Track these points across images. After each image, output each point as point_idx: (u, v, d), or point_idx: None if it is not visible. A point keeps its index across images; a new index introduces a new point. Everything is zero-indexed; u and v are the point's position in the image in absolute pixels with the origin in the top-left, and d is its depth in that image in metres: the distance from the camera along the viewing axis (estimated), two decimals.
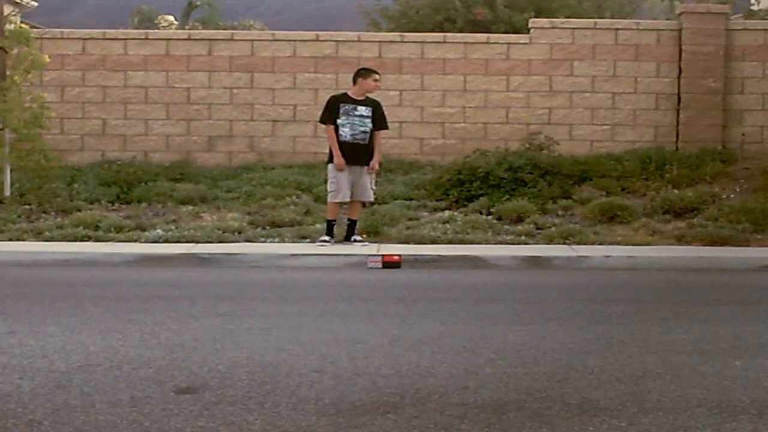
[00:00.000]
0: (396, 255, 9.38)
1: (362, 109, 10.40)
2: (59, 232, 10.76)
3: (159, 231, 10.76)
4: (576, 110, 14.89)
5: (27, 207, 12.09)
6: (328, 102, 10.59)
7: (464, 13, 20.73)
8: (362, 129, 10.35)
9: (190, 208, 12.14)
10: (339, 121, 10.32)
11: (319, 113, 10.80)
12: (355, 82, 10.56)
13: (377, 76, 10.56)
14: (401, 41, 15.09)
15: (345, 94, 10.61)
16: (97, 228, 11.00)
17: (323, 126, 10.74)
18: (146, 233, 10.75)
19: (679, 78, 14.79)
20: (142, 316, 6.15)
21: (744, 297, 7.62)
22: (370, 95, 10.62)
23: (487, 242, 10.61)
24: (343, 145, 10.30)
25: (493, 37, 15.54)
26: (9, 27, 13.39)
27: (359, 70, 10.77)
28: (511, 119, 14.90)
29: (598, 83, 14.91)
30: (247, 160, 14.72)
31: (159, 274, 8.83)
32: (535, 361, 4.99)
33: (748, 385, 4.53)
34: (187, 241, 10.39)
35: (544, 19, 15.76)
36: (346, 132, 10.32)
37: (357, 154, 10.32)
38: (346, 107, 10.37)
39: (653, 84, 14.88)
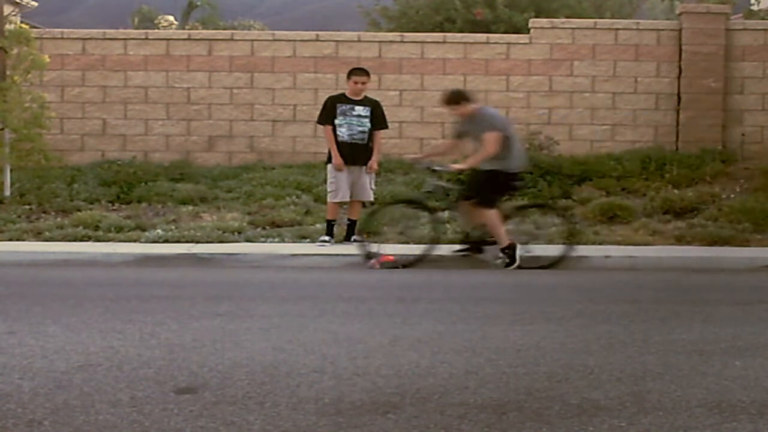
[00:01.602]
0: (390, 255, 9.38)
1: (360, 109, 10.39)
2: (59, 232, 10.76)
3: (159, 231, 10.76)
4: (576, 110, 14.89)
5: (27, 207, 12.10)
6: (326, 103, 10.61)
7: (464, 13, 20.75)
8: (360, 129, 10.35)
9: (190, 208, 12.15)
10: (336, 122, 10.33)
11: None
12: None
13: (357, 78, 10.42)
14: (401, 41, 15.09)
15: (342, 94, 10.61)
16: (97, 228, 11.00)
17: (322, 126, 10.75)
18: (146, 233, 10.75)
19: (679, 78, 14.80)
20: (142, 316, 6.15)
21: (744, 297, 7.62)
22: (369, 95, 10.63)
23: None
24: (342, 146, 10.30)
25: (493, 37, 15.55)
26: (9, 27, 13.40)
27: (349, 70, 10.78)
28: (511, 119, 14.87)
29: (598, 83, 14.91)
30: (247, 160, 14.73)
31: (159, 274, 8.83)
32: (535, 361, 4.98)
33: (748, 385, 4.52)
34: (187, 241, 10.39)
35: (544, 19, 15.77)
36: (343, 132, 10.32)
37: (355, 154, 10.32)
38: (344, 107, 10.36)
39: (653, 84, 14.88)
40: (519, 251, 9.22)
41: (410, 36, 15.56)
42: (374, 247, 9.43)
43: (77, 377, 4.54)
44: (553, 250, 9.54)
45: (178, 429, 3.78)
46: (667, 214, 11.95)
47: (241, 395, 4.25)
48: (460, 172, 9.65)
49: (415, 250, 9.50)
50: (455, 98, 9.44)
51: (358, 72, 10.56)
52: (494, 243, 9.36)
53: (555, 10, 20.73)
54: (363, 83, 10.44)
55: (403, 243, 10.40)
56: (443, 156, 10.39)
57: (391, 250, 9.68)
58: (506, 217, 9.48)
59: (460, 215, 9.71)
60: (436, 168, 9.68)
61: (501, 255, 9.27)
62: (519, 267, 9.16)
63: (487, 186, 9.27)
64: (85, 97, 14.90)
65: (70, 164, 14.21)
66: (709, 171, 13.37)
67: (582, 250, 10.00)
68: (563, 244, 9.63)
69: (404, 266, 9.20)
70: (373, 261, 9.25)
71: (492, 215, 9.25)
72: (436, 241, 9.49)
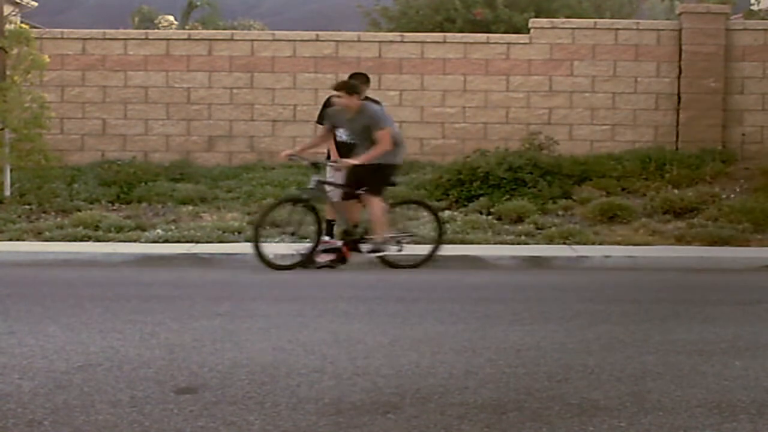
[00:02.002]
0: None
1: None
2: (59, 232, 10.77)
3: (159, 231, 10.76)
4: (576, 110, 14.89)
5: (27, 207, 12.10)
6: (325, 102, 10.59)
7: (464, 13, 20.74)
8: None
9: (190, 208, 12.15)
10: None
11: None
12: None
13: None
14: (401, 41, 15.08)
15: None
16: (97, 228, 11.00)
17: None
18: (146, 233, 10.75)
19: (679, 78, 14.80)
20: (142, 316, 6.15)
21: (744, 297, 7.62)
22: (369, 95, 10.61)
23: (487, 242, 10.61)
24: (340, 146, 10.28)
25: (493, 37, 15.54)
26: (9, 27, 13.40)
27: (349, 75, 10.77)
28: (511, 119, 14.90)
29: (598, 83, 14.91)
30: (247, 160, 14.72)
31: (159, 274, 8.83)
32: (535, 361, 4.98)
33: (748, 385, 4.53)
34: (187, 241, 10.38)
35: (544, 19, 15.76)
36: (342, 132, 10.31)
37: (354, 154, 10.29)
38: None
39: (653, 84, 14.88)
40: (390, 250, 9.33)
41: (410, 36, 15.56)
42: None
43: (77, 377, 4.54)
44: (421, 249, 9.51)
45: (178, 429, 3.79)
46: (667, 214, 11.94)
47: (241, 395, 4.25)
48: (354, 166, 9.39)
49: (302, 249, 9.41)
50: (352, 89, 9.45)
51: (357, 77, 10.57)
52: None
53: (555, 10, 20.71)
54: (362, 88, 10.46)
55: (297, 242, 10.20)
56: (318, 149, 10.33)
57: (276, 249, 9.52)
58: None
59: (341, 213, 9.66)
60: (330, 164, 9.66)
61: (375, 245, 9.33)
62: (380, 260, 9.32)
63: (377, 177, 9.29)
64: (85, 97, 14.90)
65: (70, 164, 14.20)
66: (709, 171, 13.36)
67: (582, 250, 10.01)
68: (431, 243, 9.60)
69: (289, 267, 9.13)
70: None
71: (380, 204, 9.30)
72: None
